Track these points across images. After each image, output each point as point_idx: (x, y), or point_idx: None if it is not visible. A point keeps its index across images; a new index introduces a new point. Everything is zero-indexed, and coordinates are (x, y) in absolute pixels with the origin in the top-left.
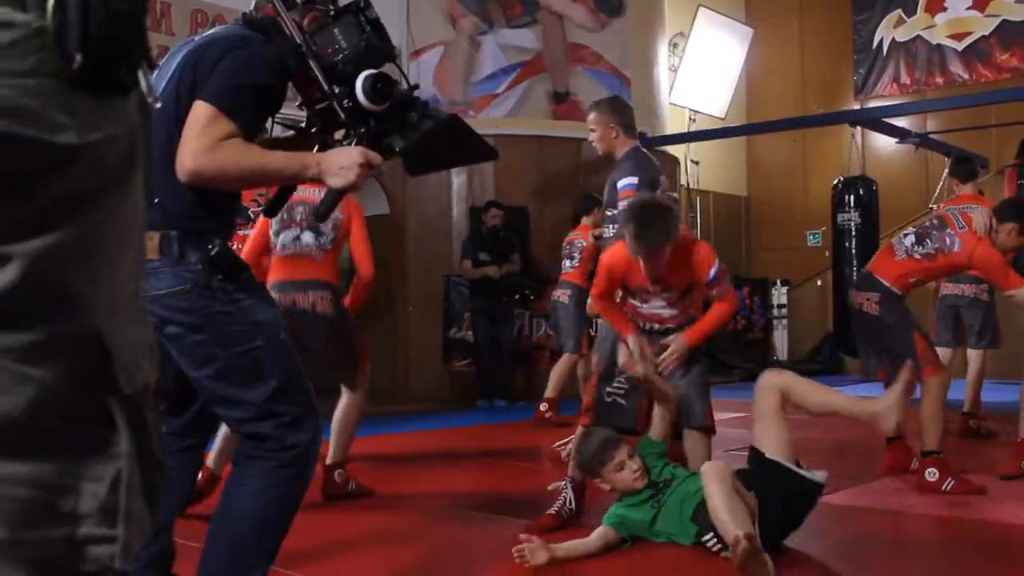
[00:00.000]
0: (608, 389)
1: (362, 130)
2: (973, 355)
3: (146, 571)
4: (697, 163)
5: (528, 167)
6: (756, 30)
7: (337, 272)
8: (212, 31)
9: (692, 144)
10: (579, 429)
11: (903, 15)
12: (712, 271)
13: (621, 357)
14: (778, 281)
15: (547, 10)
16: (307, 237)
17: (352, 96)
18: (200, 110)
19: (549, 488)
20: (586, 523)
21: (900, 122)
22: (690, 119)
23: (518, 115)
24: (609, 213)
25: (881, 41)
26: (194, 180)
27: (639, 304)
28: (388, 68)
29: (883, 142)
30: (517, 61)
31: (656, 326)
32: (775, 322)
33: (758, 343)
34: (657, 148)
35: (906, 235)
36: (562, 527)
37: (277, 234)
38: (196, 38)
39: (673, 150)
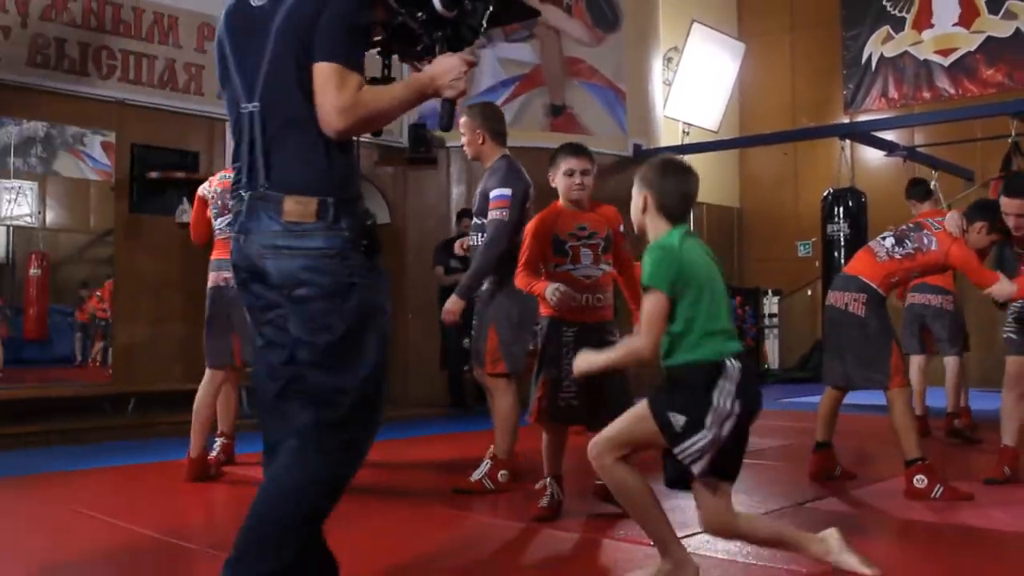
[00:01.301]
0: (560, 394)
1: (440, 34)
2: (949, 361)
3: None
4: None
5: None
6: (748, 46)
7: None
8: None
9: (686, 156)
10: (543, 434)
11: (891, 31)
12: (621, 226)
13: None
14: (769, 291)
15: (545, 25)
16: None
17: (423, 7)
18: (328, 71)
19: (536, 487)
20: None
21: (888, 136)
22: (684, 132)
23: (516, 127)
24: (478, 221)
25: (870, 57)
26: (344, 135)
27: (571, 267)
28: None
29: (872, 155)
30: (515, 75)
31: (587, 296)
32: (766, 331)
33: (750, 351)
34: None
35: (884, 238)
36: (555, 516)
37: (216, 217)
38: (258, 2)
39: None
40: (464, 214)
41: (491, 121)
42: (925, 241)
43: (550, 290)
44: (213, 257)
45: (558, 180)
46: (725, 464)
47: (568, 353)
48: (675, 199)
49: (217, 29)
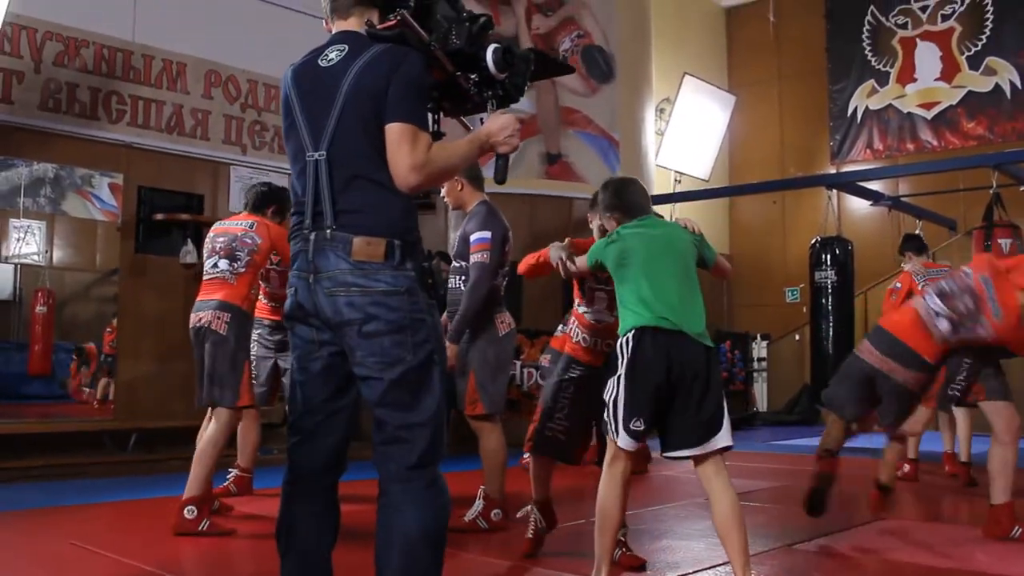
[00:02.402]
0: (549, 425)
1: (490, 93)
2: (960, 410)
3: None
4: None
5: (521, 224)
6: (738, 97)
7: (247, 295)
8: (338, 53)
9: (677, 204)
10: (531, 459)
11: (876, 85)
12: None
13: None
14: (758, 335)
15: None
16: (222, 264)
17: (475, 70)
18: (403, 131)
19: (518, 516)
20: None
21: (874, 185)
22: (675, 180)
23: (512, 175)
24: (458, 264)
25: (855, 109)
26: (416, 190)
27: (586, 309)
28: None
29: (857, 204)
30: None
31: (599, 343)
32: (755, 375)
33: (739, 394)
34: None
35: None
36: (540, 546)
37: (207, 259)
38: (327, 63)
39: (660, 209)
40: (442, 257)
41: (469, 168)
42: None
43: (554, 252)
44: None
45: (600, 223)
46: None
47: (568, 388)
48: (627, 208)
49: (283, 87)
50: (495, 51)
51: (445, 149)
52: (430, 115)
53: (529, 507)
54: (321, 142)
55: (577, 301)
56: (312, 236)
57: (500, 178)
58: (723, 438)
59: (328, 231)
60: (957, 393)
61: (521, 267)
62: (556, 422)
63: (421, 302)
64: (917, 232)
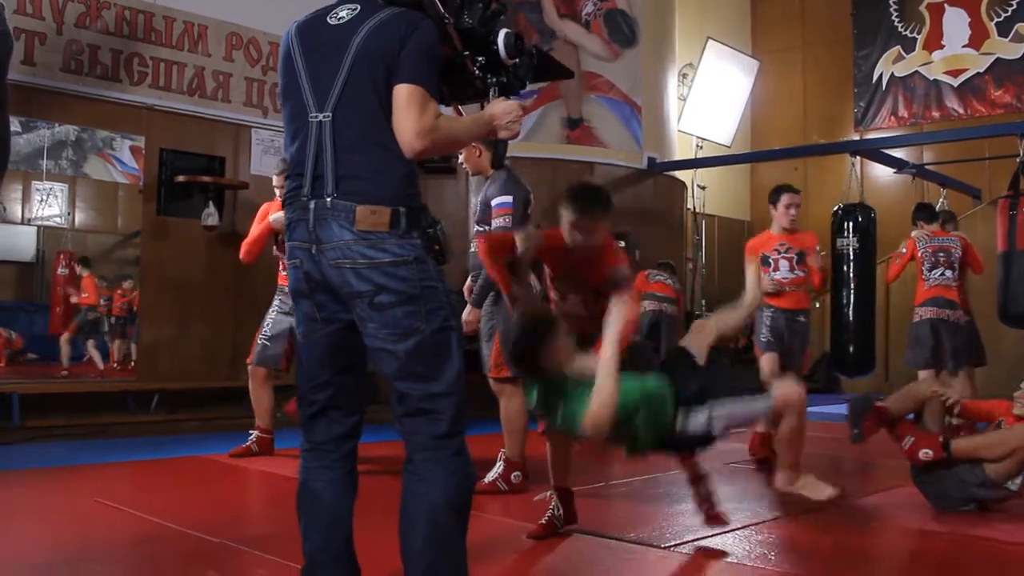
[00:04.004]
0: None
1: (494, 80)
2: (961, 376)
3: None
4: (703, 188)
5: (542, 189)
6: (762, 63)
7: None
8: (349, 11)
9: (699, 170)
10: (547, 446)
11: (902, 51)
12: (622, 269)
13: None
14: None
15: (563, 40)
16: None
17: (484, 52)
18: (413, 93)
19: (535, 500)
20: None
21: (898, 153)
22: (697, 146)
23: (533, 139)
24: (480, 229)
25: (881, 76)
26: (419, 156)
27: (558, 300)
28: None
29: (881, 172)
30: (533, 88)
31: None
32: None
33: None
34: (665, 173)
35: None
36: (554, 534)
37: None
38: (336, 21)
39: (681, 175)
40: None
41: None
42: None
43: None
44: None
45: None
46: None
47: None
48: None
49: (283, 44)
50: (507, 35)
51: (451, 120)
52: None
53: (549, 493)
54: (326, 103)
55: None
56: (312, 205)
57: (498, 163)
58: None
59: (329, 199)
60: None
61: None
62: None
63: (430, 269)
64: (939, 201)
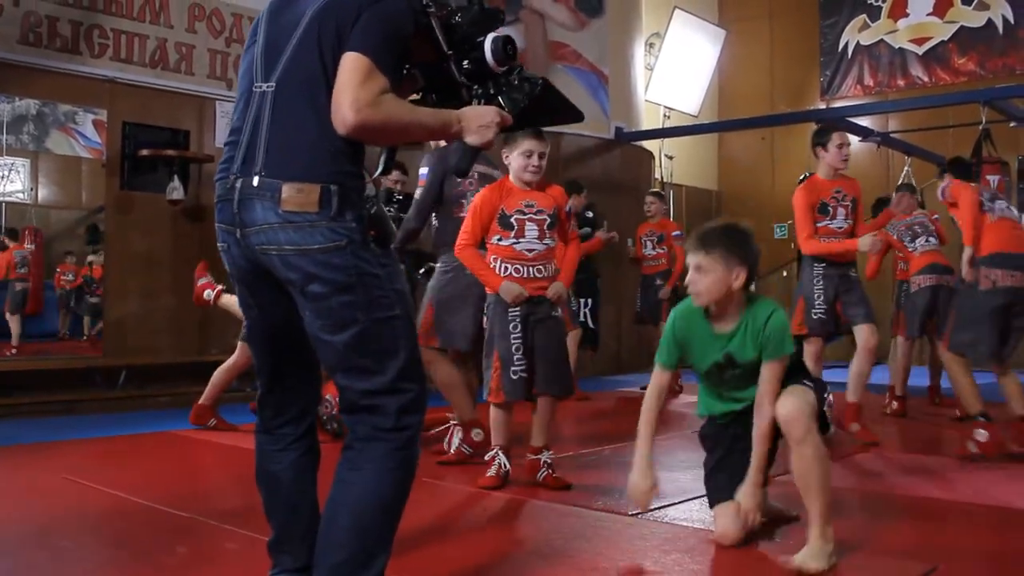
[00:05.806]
0: (513, 369)
1: (480, 90)
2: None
3: None
4: (671, 158)
5: None
6: (729, 32)
7: None
8: None
9: (666, 140)
10: (491, 408)
11: (868, 20)
12: (567, 205)
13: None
14: None
15: (529, 9)
16: None
17: (471, 57)
18: (357, 62)
19: (486, 458)
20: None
21: (863, 121)
22: (664, 116)
23: None
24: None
25: (846, 45)
26: (355, 133)
27: (514, 241)
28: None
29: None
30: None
31: (530, 268)
32: None
33: None
34: (633, 143)
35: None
36: (502, 486)
37: None
38: None
39: (648, 145)
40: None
41: None
42: None
43: (505, 286)
44: None
45: (512, 159)
46: None
47: (516, 328)
48: None
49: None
50: (495, 39)
51: (402, 103)
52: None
53: (495, 451)
54: (273, 72)
55: (500, 235)
56: (238, 184)
57: (460, 170)
58: None
59: (256, 177)
60: None
61: (461, 253)
62: (517, 363)
63: (369, 254)
64: (903, 170)
